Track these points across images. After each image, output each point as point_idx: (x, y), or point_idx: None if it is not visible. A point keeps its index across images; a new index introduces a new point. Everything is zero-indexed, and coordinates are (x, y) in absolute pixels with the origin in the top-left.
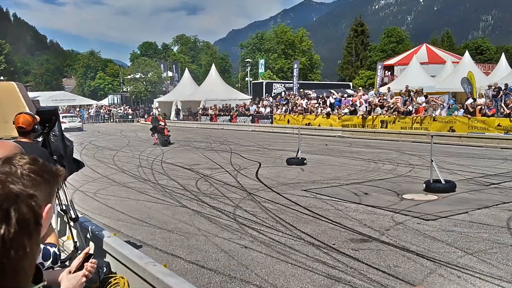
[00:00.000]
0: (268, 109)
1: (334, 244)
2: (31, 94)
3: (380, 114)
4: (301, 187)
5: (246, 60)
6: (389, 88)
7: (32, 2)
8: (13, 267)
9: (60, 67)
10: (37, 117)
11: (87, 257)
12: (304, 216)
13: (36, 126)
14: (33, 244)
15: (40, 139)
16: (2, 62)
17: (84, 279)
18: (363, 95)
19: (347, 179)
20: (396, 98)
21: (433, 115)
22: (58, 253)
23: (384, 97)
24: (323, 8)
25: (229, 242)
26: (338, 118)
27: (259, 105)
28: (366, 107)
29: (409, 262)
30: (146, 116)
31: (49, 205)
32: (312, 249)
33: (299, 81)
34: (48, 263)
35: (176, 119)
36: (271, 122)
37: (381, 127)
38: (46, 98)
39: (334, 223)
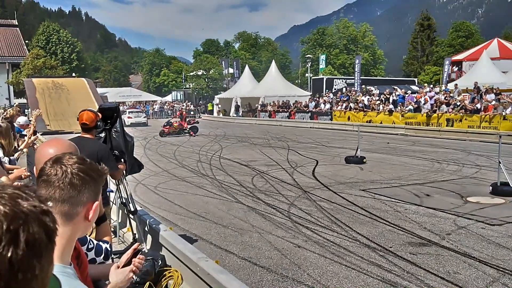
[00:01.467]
0: (327, 106)
1: (391, 247)
2: (100, 90)
3: (446, 112)
4: (359, 187)
5: (307, 56)
6: (456, 84)
7: (102, 1)
8: None
9: (127, 64)
10: (99, 114)
11: (135, 253)
12: (361, 217)
13: (99, 123)
14: (44, 264)
15: (102, 135)
16: (74, 59)
17: (131, 274)
18: (429, 91)
19: (408, 179)
20: (463, 95)
21: (503, 113)
22: (110, 249)
23: (451, 94)
24: (388, 2)
25: (283, 240)
26: (401, 116)
27: (318, 102)
28: (431, 104)
29: (470, 269)
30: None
31: (96, 202)
32: (367, 251)
33: (361, 77)
34: (100, 259)
35: (235, 115)
36: (331, 119)
37: (446, 126)
38: (114, 94)
39: (392, 225)
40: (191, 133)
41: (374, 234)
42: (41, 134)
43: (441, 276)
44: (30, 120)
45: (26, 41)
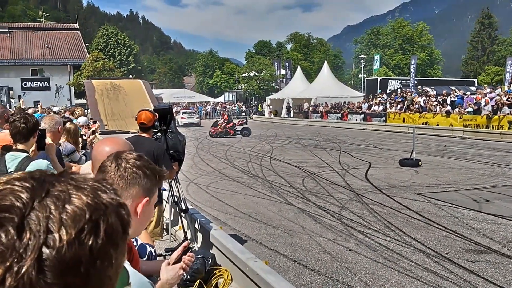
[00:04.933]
0: (381, 107)
1: (447, 254)
2: (155, 91)
3: (508, 114)
4: (414, 190)
5: (360, 56)
6: None
7: (159, 5)
8: (99, 276)
9: (181, 66)
10: (156, 114)
11: (185, 250)
12: (416, 222)
13: (156, 123)
14: (119, 254)
15: (158, 135)
16: (131, 61)
17: (181, 271)
18: (490, 92)
19: (466, 183)
20: None
21: None
22: (154, 254)
23: None
24: (445, 1)
25: (333, 243)
26: (460, 118)
27: (372, 103)
28: (492, 106)
29: None
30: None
31: (146, 198)
32: (422, 257)
33: (416, 78)
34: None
35: (287, 116)
36: (385, 121)
37: (508, 128)
38: (169, 95)
39: (448, 231)
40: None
41: (429, 240)
42: (99, 134)
43: (501, 285)
44: (90, 119)
45: (87, 44)
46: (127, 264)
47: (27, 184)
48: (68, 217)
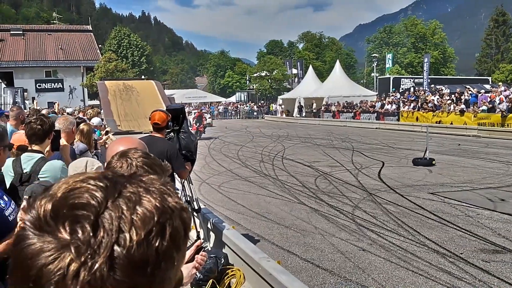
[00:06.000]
0: (394, 106)
1: (461, 254)
2: (167, 92)
3: None
4: (428, 190)
5: (373, 55)
6: None
7: (171, 6)
8: (162, 277)
9: (193, 66)
10: (169, 114)
11: (198, 250)
12: (429, 221)
13: (169, 123)
14: (181, 256)
15: (171, 135)
16: (143, 62)
17: (194, 270)
18: (504, 90)
19: (481, 183)
20: None
21: None
22: None
23: None
24: None
25: (346, 243)
26: (474, 116)
27: (385, 102)
28: (506, 104)
29: None
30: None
31: None
32: (436, 257)
33: (430, 76)
34: None
35: (298, 115)
36: (398, 120)
37: None
38: (181, 95)
39: (463, 230)
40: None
41: (444, 240)
42: (112, 134)
43: None
44: (103, 119)
45: (99, 45)
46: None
47: (101, 184)
48: (139, 218)
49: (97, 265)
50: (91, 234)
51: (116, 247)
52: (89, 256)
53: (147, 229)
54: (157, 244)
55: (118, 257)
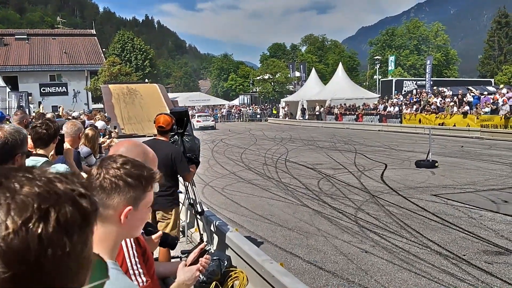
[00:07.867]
0: (397, 108)
1: (464, 255)
2: (171, 95)
3: None
4: (431, 192)
5: (375, 57)
6: None
7: (174, 10)
8: (53, 266)
9: (197, 70)
10: (174, 117)
11: (202, 252)
12: (432, 223)
13: (174, 126)
14: (77, 243)
15: (175, 138)
16: (147, 66)
17: (198, 273)
18: (507, 93)
19: (484, 184)
20: None
21: None
22: None
23: None
24: (461, 0)
25: (349, 245)
26: (477, 118)
27: (387, 104)
28: (510, 106)
29: None
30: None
31: (128, 207)
32: (439, 259)
33: (432, 78)
34: None
35: (301, 118)
36: (400, 122)
37: None
38: (184, 99)
39: (466, 232)
40: None
41: (446, 241)
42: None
43: None
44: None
45: (103, 49)
46: (113, 269)
47: None
48: (17, 205)
49: None
50: None
51: None
52: None
53: (25, 216)
54: (39, 230)
55: None
